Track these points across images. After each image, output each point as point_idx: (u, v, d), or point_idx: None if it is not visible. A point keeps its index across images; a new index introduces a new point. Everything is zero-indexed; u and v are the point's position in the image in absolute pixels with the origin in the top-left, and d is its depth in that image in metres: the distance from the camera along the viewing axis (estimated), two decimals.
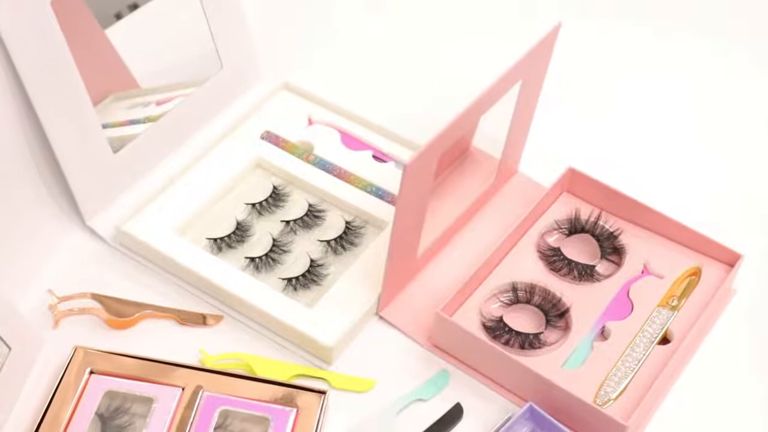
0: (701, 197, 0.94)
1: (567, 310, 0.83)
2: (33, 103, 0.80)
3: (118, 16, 1.03)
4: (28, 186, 0.84)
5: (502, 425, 0.75)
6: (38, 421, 0.73)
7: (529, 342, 0.81)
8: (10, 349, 0.75)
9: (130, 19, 1.03)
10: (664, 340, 0.82)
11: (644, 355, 0.80)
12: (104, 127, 0.86)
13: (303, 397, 0.76)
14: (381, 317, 0.83)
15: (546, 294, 0.84)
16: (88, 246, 0.87)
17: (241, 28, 0.96)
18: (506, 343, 0.80)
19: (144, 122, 0.91)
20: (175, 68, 0.97)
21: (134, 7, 1.05)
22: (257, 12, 1.03)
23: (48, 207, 0.86)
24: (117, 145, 0.87)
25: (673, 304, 0.83)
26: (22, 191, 0.84)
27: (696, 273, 0.86)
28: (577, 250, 0.87)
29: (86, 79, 0.83)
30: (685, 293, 0.85)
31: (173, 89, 0.95)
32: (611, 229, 0.88)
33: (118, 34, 0.96)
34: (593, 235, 0.88)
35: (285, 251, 0.87)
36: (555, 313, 0.83)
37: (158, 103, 0.93)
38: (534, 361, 0.78)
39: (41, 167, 0.85)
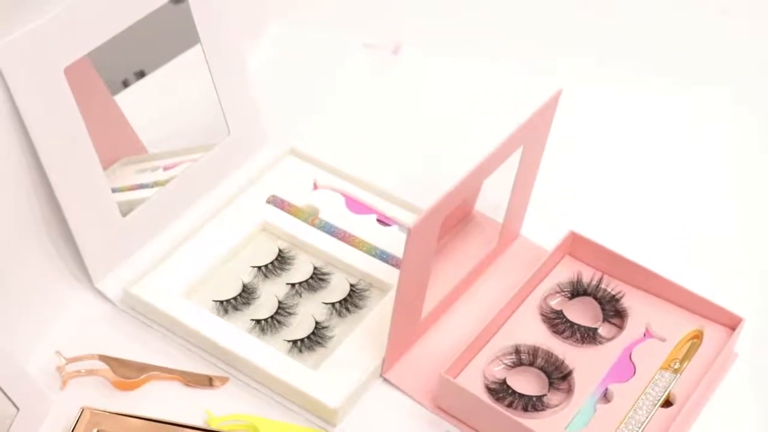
0: (702, 260, 0.94)
1: (570, 373, 0.82)
2: (44, 165, 0.81)
3: (125, 83, 1.05)
4: (37, 247, 0.84)
5: None
6: None
7: (532, 404, 0.80)
8: (18, 409, 0.75)
9: (139, 86, 1.05)
10: (667, 403, 0.81)
11: (647, 417, 0.80)
12: (113, 191, 0.87)
13: None
14: (385, 379, 0.83)
15: (549, 356, 0.83)
16: (96, 307, 0.87)
17: (247, 95, 0.98)
18: (510, 405, 0.80)
19: (152, 186, 0.92)
20: (183, 134, 0.98)
21: (141, 74, 1.07)
22: (263, 78, 1.05)
23: (57, 268, 0.86)
24: (125, 209, 0.88)
25: (676, 367, 0.83)
26: (32, 252, 0.84)
27: (698, 336, 0.86)
28: (580, 313, 0.87)
29: (96, 143, 0.84)
30: (687, 356, 0.84)
31: (181, 154, 0.95)
32: (613, 293, 0.88)
33: (126, 100, 0.97)
34: (595, 298, 0.88)
35: (290, 313, 0.87)
36: (558, 375, 0.82)
37: (166, 168, 0.94)
38: (538, 424, 0.78)
39: (51, 229, 0.85)
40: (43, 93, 0.80)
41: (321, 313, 0.87)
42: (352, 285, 0.89)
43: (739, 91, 1.12)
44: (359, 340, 0.84)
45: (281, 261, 0.91)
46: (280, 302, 0.87)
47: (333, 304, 0.87)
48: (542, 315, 0.87)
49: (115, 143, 0.92)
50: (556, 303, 0.88)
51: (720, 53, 1.15)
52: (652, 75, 1.13)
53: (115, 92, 0.97)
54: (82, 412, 0.77)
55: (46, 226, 0.85)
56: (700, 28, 1.18)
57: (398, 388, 0.83)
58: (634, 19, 1.18)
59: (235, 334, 0.84)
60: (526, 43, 1.16)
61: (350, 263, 0.90)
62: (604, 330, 0.86)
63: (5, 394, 0.74)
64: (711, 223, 0.98)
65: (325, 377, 0.81)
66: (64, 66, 0.80)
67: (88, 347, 0.83)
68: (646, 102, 1.11)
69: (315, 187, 0.98)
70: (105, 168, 0.86)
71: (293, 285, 0.89)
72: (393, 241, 0.92)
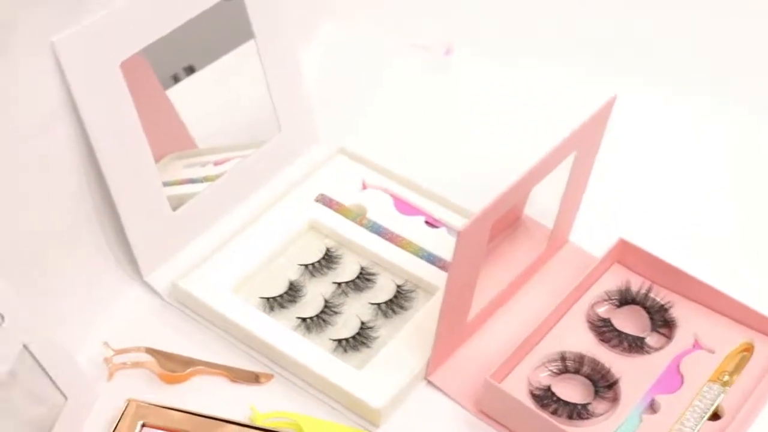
0: (754, 271, 0.93)
1: (616, 382, 0.82)
2: (98, 158, 0.82)
3: (176, 78, 1.06)
4: (89, 240, 0.85)
5: None
6: None
7: (577, 412, 0.80)
8: (66, 398, 0.76)
9: (189, 81, 1.06)
10: (715, 416, 0.81)
11: (694, 430, 0.79)
12: (164, 185, 0.88)
13: None
14: (429, 382, 0.83)
15: (595, 364, 0.83)
16: (144, 301, 0.88)
17: (299, 92, 0.98)
18: (554, 413, 0.80)
19: (202, 181, 0.93)
20: (233, 130, 0.99)
21: (191, 70, 1.08)
22: (315, 76, 1.05)
23: (107, 261, 0.87)
24: (175, 203, 0.89)
25: (725, 379, 0.83)
26: (83, 244, 0.85)
27: (748, 349, 0.85)
28: (628, 322, 0.87)
29: (149, 137, 0.85)
30: (737, 369, 0.84)
31: (231, 150, 0.96)
32: (662, 302, 0.88)
33: (177, 95, 0.98)
34: (644, 307, 0.88)
35: (336, 312, 0.87)
36: (604, 384, 0.82)
37: (216, 164, 0.95)
38: None
39: (102, 221, 0.86)
40: (100, 87, 0.81)
41: (366, 314, 0.87)
42: (398, 286, 0.89)
43: None
44: (404, 342, 0.84)
45: (328, 260, 0.91)
46: (326, 301, 0.88)
47: (379, 304, 0.88)
48: (589, 322, 0.87)
49: (166, 138, 0.93)
50: (603, 311, 0.88)
51: None
52: (705, 84, 1.12)
53: (165, 87, 0.98)
54: (128, 403, 0.78)
55: (98, 219, 0.86)
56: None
57: (442, 391, 0.83)
58: (689, 29, 1.17)
59: (280, 332, 0.84)
60: (579, 46, 1.15)
61: (397, 264, 0.90)
62: (652, 340, 0.86)
63: (54, 383, 0.75)
64: (763, 234, 0.97)
65: (369, 378, 0.82)
66: (120, 61, 0.81)
67: (136, 340, 0.84)
68: (698, 111, 1.10)
69: (364, 186, 0.98)
70: (156, 162, 0.87)
71: (339, 284, 0.89)
72: (440, 243, 0.92)
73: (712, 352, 0.85)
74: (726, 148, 1.06)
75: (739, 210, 0.99)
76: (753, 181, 1.03)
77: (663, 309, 0.88)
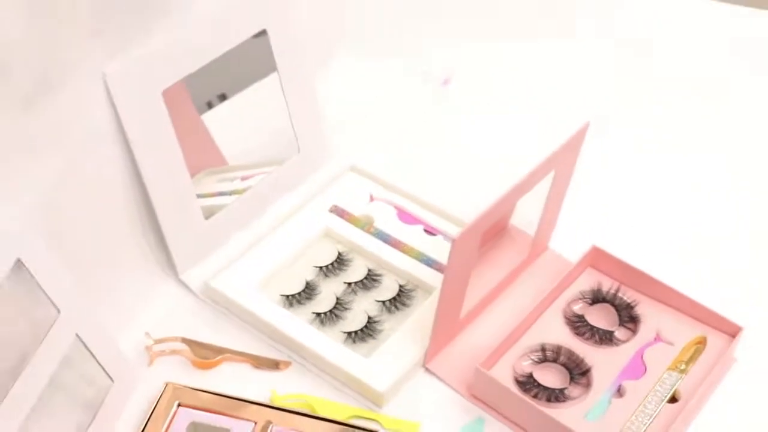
0: (710, 273, 0.93)
1: (589, 370, 0.83)
2: (141, 174, 0.82)
3: (210, 105, 1.06)
4: (133, 244, 0.86)
5: None
6: None
7: (555, 396, 0.81)
8: (112, 381, 0.77)
9: (222, 107, 1.06)
10: (673, 400, 0.81)
11: (655, 411, 0.80)
12: (198, 197, 0.88)
13: None
14: (427, 369, 0.84)
15: (571, 355, 0.84)
16: (180, 297, 0.88)
17: (316, 118, 0.98)
18: (535, 396, 0.80)
19: (231, 194, 0.93)
20: (259, 150, 0.98)
21: (223, 97, 1.08)
22: (329, 102, 1.05)
23: (148, 263, 0.87)
24: (208, 213, 0.89)
25: (681, 368, 0.83)
26: (128, 248, 0.85)
27: (702, 342, 0.85)
28: (599, 318, 0.87)
29: (186, 155, 0.85)
30: (692, 359, 0.84)
31: (256, 167, 0.96)
32: (628, 300, 0.88)
33: (210, 119, 0.98)
34: (613, 305, 0.88)
35: (346, 309, 0.87)
36: (578, 371, 0.83)
37: (243, 179, 0.95)
38: (559, 413, 0.78)
39: (145, 229, 0.86)
40: (144, 112, 0.81)
41: (373, 309, 0.88)
42: (400, 286, 0.89)
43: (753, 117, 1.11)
44: (406, 334, 0.84)
45: (340, 263, 0.91)
46: (337, 298, 0.88)
47: (384, 301, 0.88)
48: (566, 318, 0.87)
49: (201, 156, 0.93)
50: (578, 308, 0.88)
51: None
52: (673, 102, 1.11)
53: (201, 112, 0.98)
54: (166, 386, 0.79)
55: (141, 226, 0.86)
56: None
57: (438, 377, 0.83)
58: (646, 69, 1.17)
59: (298, 325, 0.84)
60: (564, 79, 1.16)
61: (400, 267, 0.91)
62: (619, 333, 0.86)
63: (103, 368, 0.76)
64: (720, 239, 0.97)
65: (374, 365, 0.82)
66: (163, 89, 0.82)
67: (173, 331, 0.84)
68: (664, 129, 1.09)
69: (371, 199, 0.98)
70: (191, 177, 0.87)
71: (350, 284, 0.90)
72: (438, 249, 0.92)
73: (671, 344, 0.85)
74: (682, 168, 1.05)
75: (695, 221, 0.99)
76: (707, 195, 1.03)
77: (629, 307, 0.88)
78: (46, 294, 0.70)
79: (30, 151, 0.73)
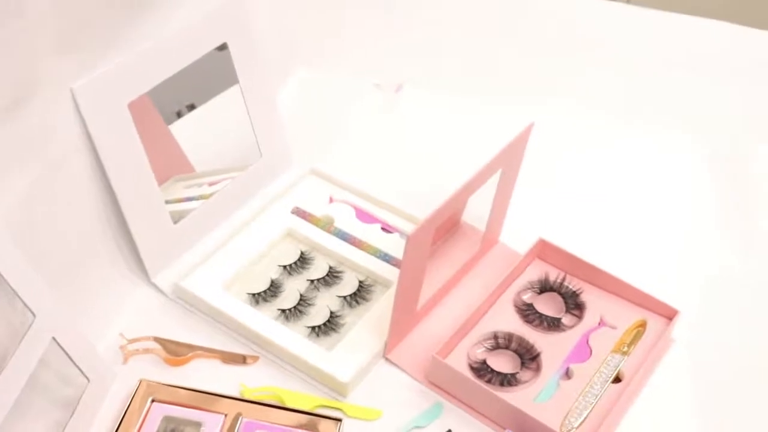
0: (650, 262, 0.94)
1: (538, 355, 0.84)
2: (111, 183, 0.82)
3: (179, 114, 1.06)
4: (105, 250, 0.85)
5: None
6: None
7: (507, 380, 0.81)
8: (88, 380, 0.77)
9: (189, 117, 1.05)
10: (617, 380, 0.82)
11: (601, 391, 0.81)
12: (167, 202, 0.88)
13: (323, 424, 0.77)
14: (387, 359, 0.84)
15: (521, 341, 0.84)
16: (152, 298, 0.87)
17: (276, 125, 0.99)
18: (489, 381, 0.81)
19: (198, 199, 0.93)
20: (224, 156, 0.98)
21: (192, 107, 1.07)
22: (290, 111, 1.06)
23: (121, 267, 0.87)
24: (176, 218, 0.89)
25: (624, 350, 0.84)
26: (101, 254, 0.85)
27: (642, 325, 0.87)
28: (547, 306, 0.88)
29: (153, 163, 0.85)
30: (634, 341, 0.85)
31: (222, 173, 0.96)
32: (574, 289, 0.89)
33: (179, 128, 0.98)
34: (559, 294, 0.89)
35: (310, 304, 0.88)
36: (528, 356, 0.84)
37: (210, 184, 0.95)
38: (511, 396, 0.79)
39: (116, 235, 0.86)
40: (111, 123, 0.81)
41: (335, 305, 0.88)
42: (360, 281, 0.90)
43: (693, 118, 1.12)
44: (366, 327, 0.85)
45: (303, 261, 0.92)
46: (301, 295, 0.88)
47: (345, 297, 0.88)
48: (516, 307, 0.88)
49: (169, 163, 0.93)
50: (527, 297, 0.89)
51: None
52: (602, 107, 1.13)
53: (170, 122, 0.97)
54: (140, 383, 0.79)
55: (112, 232, 0.86)
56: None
57: (398, 367, 0.84)
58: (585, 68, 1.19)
59: (264, 321, 0.85)
60: (507, 82, 1.17)
61: (359, 263, 0.91)
62: (566, 320, 0.87)
63: (78, 367, 0.76)
64: (657, 229, 0.99)
65: (337, 357, 0.82)
66: (128, 101, 0.82)
67: (145, 330, 0.84)
68: (599, 132, 1.11)
69: (331, 200, 0.98)
70: (160, 184, 0.87)
71: (312, 281, 0.90)
72: (394, 246, 0.92)
73: (614, 328, 0.87)
74: (624, 163, 1.07)
75: (634, 214, 1.01)
76: (646, 189, 1.04)
77: (575, 294, 0.89)
78: (21, 299, 0.69)
79: (2, 163, 0.73)
